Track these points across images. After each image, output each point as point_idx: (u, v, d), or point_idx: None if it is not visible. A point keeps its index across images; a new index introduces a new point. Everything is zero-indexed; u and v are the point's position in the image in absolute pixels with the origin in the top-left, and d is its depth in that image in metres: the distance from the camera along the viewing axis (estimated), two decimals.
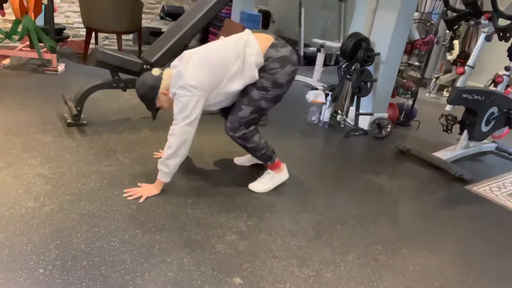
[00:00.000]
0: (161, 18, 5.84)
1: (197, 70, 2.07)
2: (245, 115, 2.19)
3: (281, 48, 2.15)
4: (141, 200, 2.05)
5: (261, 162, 2.46)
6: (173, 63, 2.17)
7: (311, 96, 3.44)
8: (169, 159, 2.07)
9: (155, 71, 2.15)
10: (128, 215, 1.92)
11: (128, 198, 2.06)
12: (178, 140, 2.04)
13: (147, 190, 2.12)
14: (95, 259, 1.60)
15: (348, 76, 3.62)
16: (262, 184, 2.36)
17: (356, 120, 3.56)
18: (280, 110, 3.60)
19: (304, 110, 3.82)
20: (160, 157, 2.17)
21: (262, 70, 2.14)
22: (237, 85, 2.11)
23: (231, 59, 2.09)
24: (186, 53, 2.15)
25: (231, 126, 2.22)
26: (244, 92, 2.18)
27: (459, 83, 3.02)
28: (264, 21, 6.77)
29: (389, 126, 3.60)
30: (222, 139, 3.00)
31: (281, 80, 2.17)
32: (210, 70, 2.08)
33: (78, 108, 2.85)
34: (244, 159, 2.67)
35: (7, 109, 2.99)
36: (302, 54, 6.39)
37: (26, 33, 3.95)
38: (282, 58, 2.14)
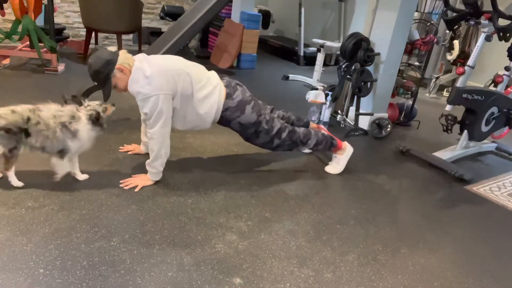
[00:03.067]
0: (161, 18, 5.85)
1: (159, 60, 2.17)
2: (264, 138, 2.44)
3: (233, 95, 2.31)
4: (136, 190, 2.14)
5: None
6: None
7: (311, 96, 3.44)
8: (153, 161, 2.17)
9: (111, 48, 2.16)
10: (128, 215, 1.92)
11: (125, 187, 2.14)
12: (157, 142, 2.13)
13: (142, 180, 2.20)
14: (95, 259, 1.60)
15: (348, 76, 3.62)
16: (334, 167, 2.73)
17: (356, 120, 3.56)
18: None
19: (304, 110, 3.82)
20: (125, 151, 2.53)
21: (227, 120, 2.35)
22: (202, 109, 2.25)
23: (203, 73, 2.27)
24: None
25: (273, 148, 2.51)
26: (245, 135, 2.46)
27: (459, 83, 3.02)
28: (264, 21, 6.78)
29: (389, 126, 3.60)
30: (223, 139, 3.01)
31: (250, 120, 2.35)
32: (171, 66, 2.15)
33: None
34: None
35: None
36: (302, 54, 6.40)
37: (26, 33, 3.95)
38: (238, 104, 2.31)
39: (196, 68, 2.26)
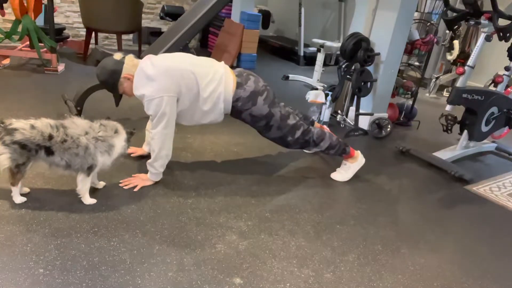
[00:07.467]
0: (161, 18, 5.84)
1: (165, 60, 2.13)
2: (276, 133, 2.37)
3: (245, 85, 2.24)
4: (136, 189, 2.15)
5: None
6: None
7: (311, 96, 3.43)
8: (153, 161, 2.17)
9: (117, 56, 2.13)
10: (128, 215, 1.92)
11: (124, 187, 2.14)
12: (158, 143, 2.12)
13: (141, 180, 2.21)
14: (95, 259, 1.60)
15: (348, 76, 3.62)
16: (341, 174, 2.62)
17: (356, 120, 3.56)
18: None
19: (304, 110, 3.81)
20: (132, 153, 2.48)
21: (238, 111, 2.27)
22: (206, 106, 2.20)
23: (210, 66, 2.20)
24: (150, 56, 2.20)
25: (286, 145, 2.45)
26: (256, 128, 2.39)
27: (459, 83, 3.02)
28: (264, 21, 6.78)
29: (389, 126, 3.60)
30: (223, 139, 3.01)
31: (261, 111, 2.28)
32: (176, 67, 2.11)
33: (78, 108, 2.86)
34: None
35: (7, 109, 2.98)
36: (302, 54, 6.40)
37: (26, 33, 3.95)
38: (250, 95, 2.24)
39: (202, 64, 2.20)
